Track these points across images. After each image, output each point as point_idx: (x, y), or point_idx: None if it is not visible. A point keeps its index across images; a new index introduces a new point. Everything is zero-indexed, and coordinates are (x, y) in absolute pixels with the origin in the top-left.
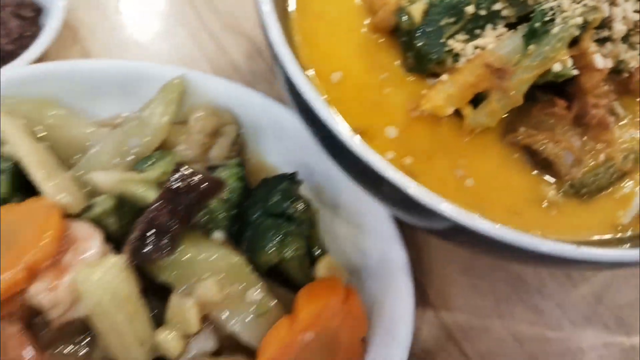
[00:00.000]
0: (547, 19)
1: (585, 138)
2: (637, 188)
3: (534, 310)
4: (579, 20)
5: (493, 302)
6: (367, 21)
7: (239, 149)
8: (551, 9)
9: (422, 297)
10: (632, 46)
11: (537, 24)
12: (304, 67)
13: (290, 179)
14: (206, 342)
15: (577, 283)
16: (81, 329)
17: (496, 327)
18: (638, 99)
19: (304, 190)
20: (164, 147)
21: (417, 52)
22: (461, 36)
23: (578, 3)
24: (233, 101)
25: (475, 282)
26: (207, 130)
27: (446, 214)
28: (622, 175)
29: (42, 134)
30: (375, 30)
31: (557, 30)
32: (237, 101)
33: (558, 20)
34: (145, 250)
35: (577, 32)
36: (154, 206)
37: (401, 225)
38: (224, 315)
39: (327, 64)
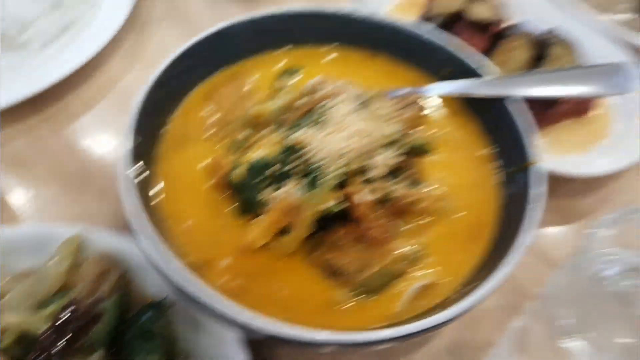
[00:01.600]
0: (317, 173)
1: (368, 251)
2: (408, 284)
3: None
4: (339, 171)
5: None
6: (212, 181)
7: (125, 284)
8: (319, 166)
9: None
10: (399, 181)
11: (310, 177)
12: (165, 218)
13: (158, 305)
14: None
15: None
16: None
17: None
18: (417, 218)
19: (175, 312)
20: (66, 288)
21: (243, 201)
22: (272, 187)
23: (340, 158)
24: (121, 248)
25: None
26: (96, 272)
27: (253, 326)
28: (399, 275)
29: None
30: (217, 188)
31: (322, 181)
32: (124, 248)
33: (325, 172)
34: None
35: (339, 180)
36: (43, 335)
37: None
38: None
39: (182, 215)
